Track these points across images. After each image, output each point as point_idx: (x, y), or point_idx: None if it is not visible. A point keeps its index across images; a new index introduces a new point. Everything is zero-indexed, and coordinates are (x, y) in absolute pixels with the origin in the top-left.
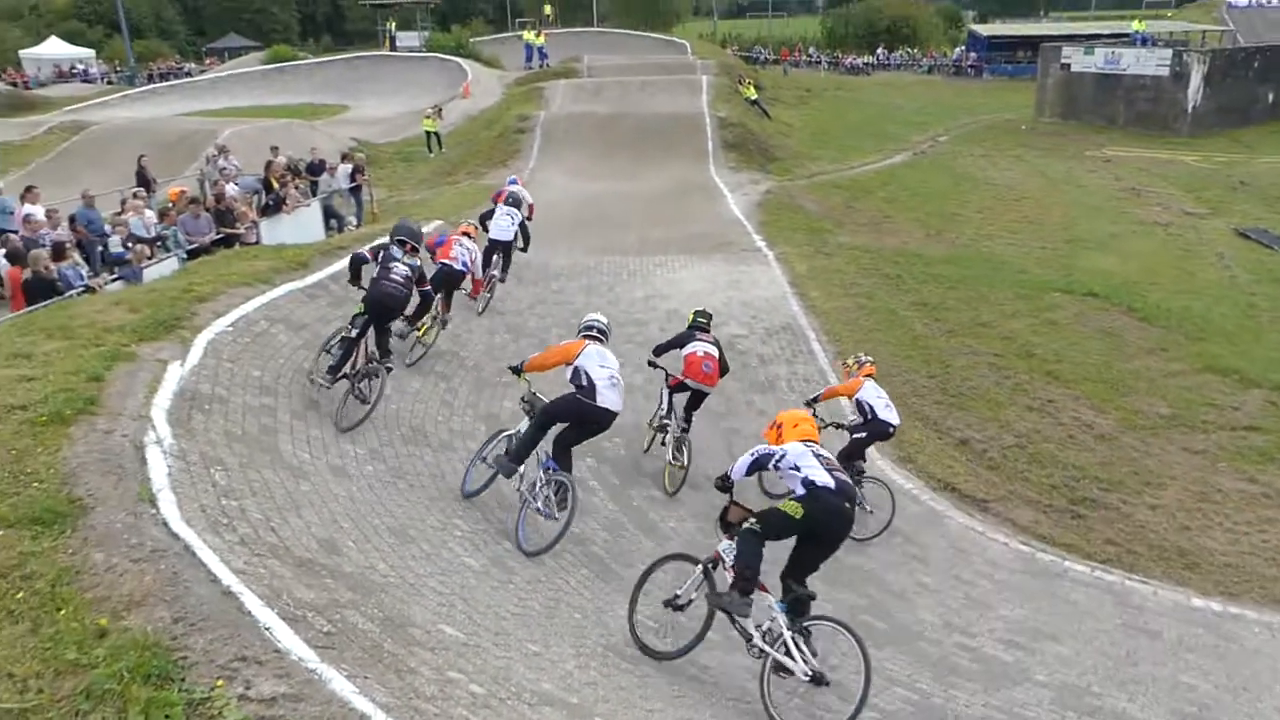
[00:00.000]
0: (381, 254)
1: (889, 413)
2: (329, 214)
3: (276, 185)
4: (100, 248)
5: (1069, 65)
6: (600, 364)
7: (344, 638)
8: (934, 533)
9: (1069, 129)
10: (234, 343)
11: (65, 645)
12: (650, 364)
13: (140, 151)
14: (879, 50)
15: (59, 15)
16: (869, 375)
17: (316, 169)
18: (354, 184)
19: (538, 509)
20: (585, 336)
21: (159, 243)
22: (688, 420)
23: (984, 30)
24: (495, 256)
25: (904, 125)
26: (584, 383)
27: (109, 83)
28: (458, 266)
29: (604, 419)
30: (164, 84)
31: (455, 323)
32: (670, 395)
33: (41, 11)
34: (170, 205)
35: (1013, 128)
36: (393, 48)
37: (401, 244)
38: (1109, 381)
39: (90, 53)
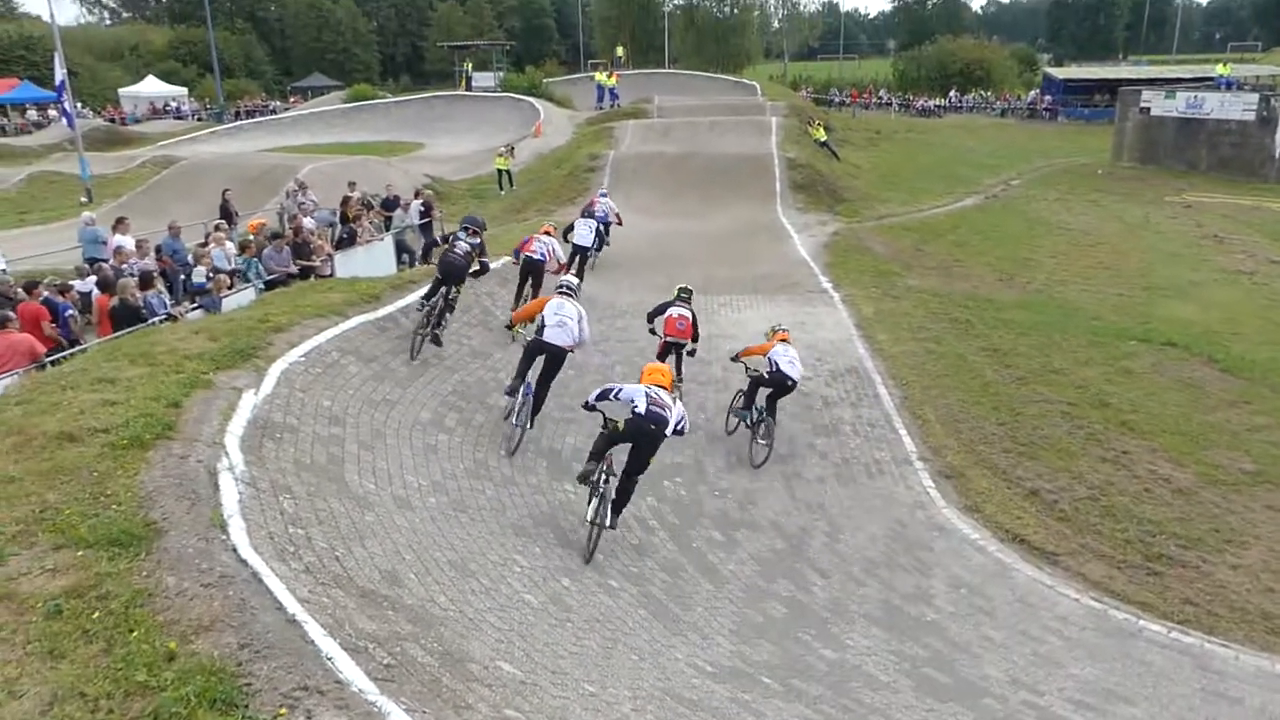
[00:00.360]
0: (451, 236)
1: (791, 368)
2: (401, 249)
3: (351, 219)
4: (184, 277)
5: (1149, 109)
6: (554, 312)
7: (404, 670)
8: (1001, 585)
9: (1147, 174)
10: (306, 373)
11: (136, 667)
12: (651, 331)
13: (225, 185)
14: (951, 93)
15: (157, 55)
16: (782, 340)
17: (391, 204)
18: (425, 219)
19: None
20: (556, 292)
21: (239, 274)
22: (679, 376)
23: (1060, 73)
24: (576, 259)
25: (976, 168)
26: (540, 325)
27: (199, 119)
28: (536, 256)
29: (548, 350)
30: (249, 121)
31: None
32: (660, 355)
33: (141, 52)
34: (250, 237)
35: (1088, 172)
36: (469, 87)
37: (466, 229)
38: (1188, 434)
39: (183, 91)
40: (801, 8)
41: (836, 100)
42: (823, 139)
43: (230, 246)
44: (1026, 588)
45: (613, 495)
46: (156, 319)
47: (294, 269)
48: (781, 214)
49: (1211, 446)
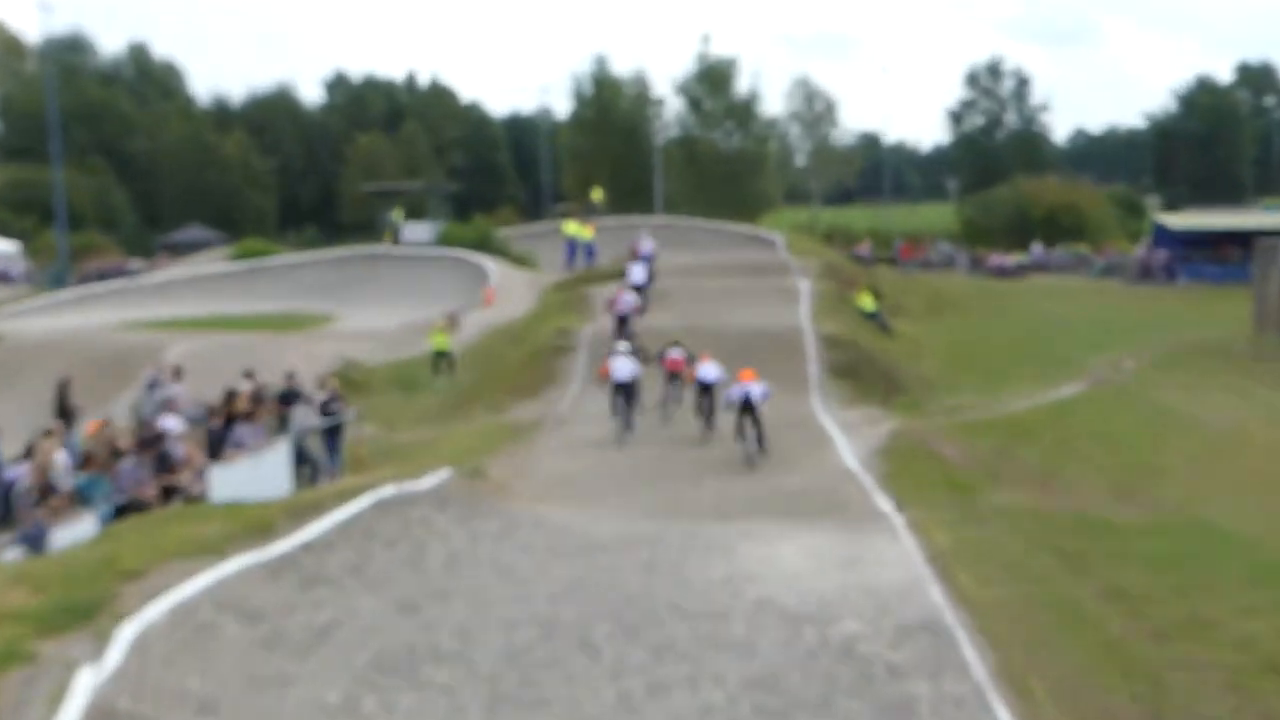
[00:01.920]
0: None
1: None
2: (301, 457)
3: (237, 417)
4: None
5: None
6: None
7: None
8: None
9: None
10: (167, 639)
11: None
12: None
13: (62, 372)
14: (1034, 247)
15: None
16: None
17: (289, 398)
18: (331, 415)
19: None
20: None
21: (78, 495)
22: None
23: (1175, 221)
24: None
25: (1075, 345)
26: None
27: (32, 283)
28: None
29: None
30: (101, 285)
31: (466, 612)
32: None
33: None
34: (92, 444)
35: (1224, 348)
36: (396, 242)
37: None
38: None
39: (15, 247)
40: (832, 141)
41: (884, 257)
42: (871, 309)
43: (63, 457)
44: None
45: (754, 440)
46: None
47: (152, 489)
48: (819, 408)
49: None
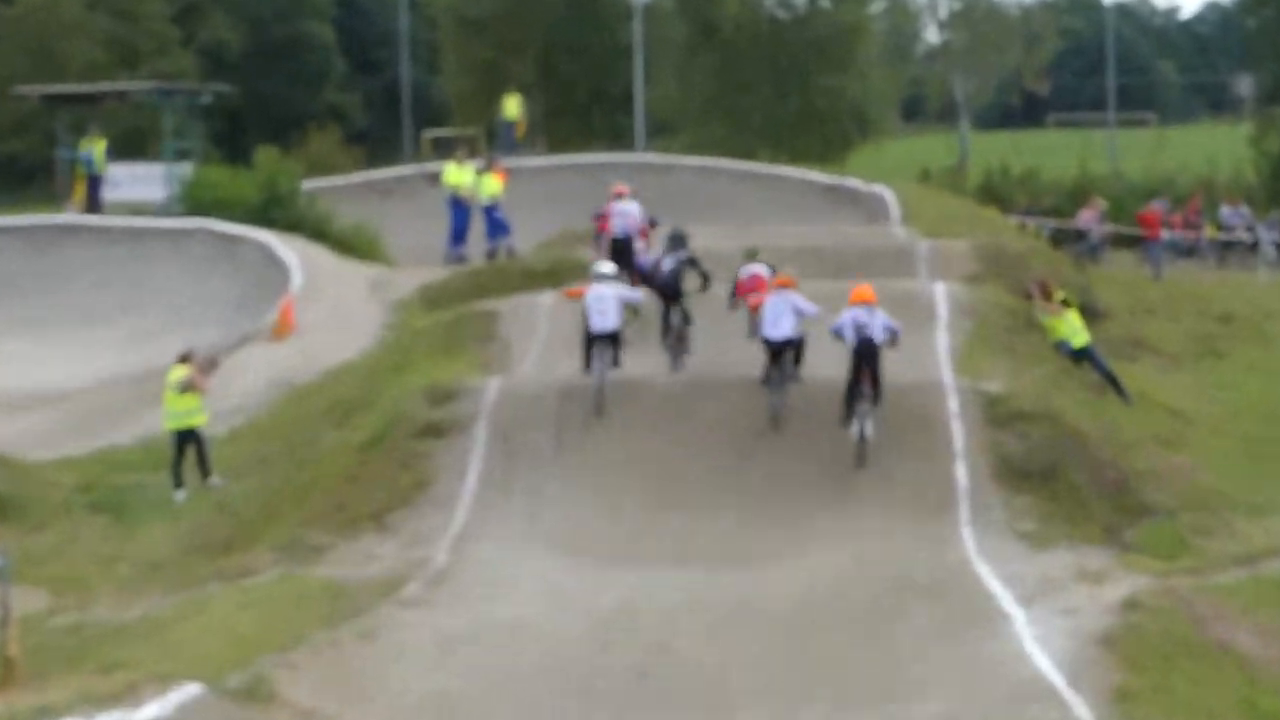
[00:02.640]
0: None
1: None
2: None
3: None
4: None
5: None
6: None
7: None
8: None
9: None
10: None
11: None
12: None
13: None
14: None
15: None
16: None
17: None
18: None
19: None
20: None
21: None
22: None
23: None
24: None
25: None
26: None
27: None
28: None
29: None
30: None
31: None
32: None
33: None
34: None
35: None
36: (92, 206)
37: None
38: None
39: None
40: None
41: (1093, 241)
42: (1081, 343)
43: None
44: None
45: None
46: None
47: None
48: (974, 550)
49: None
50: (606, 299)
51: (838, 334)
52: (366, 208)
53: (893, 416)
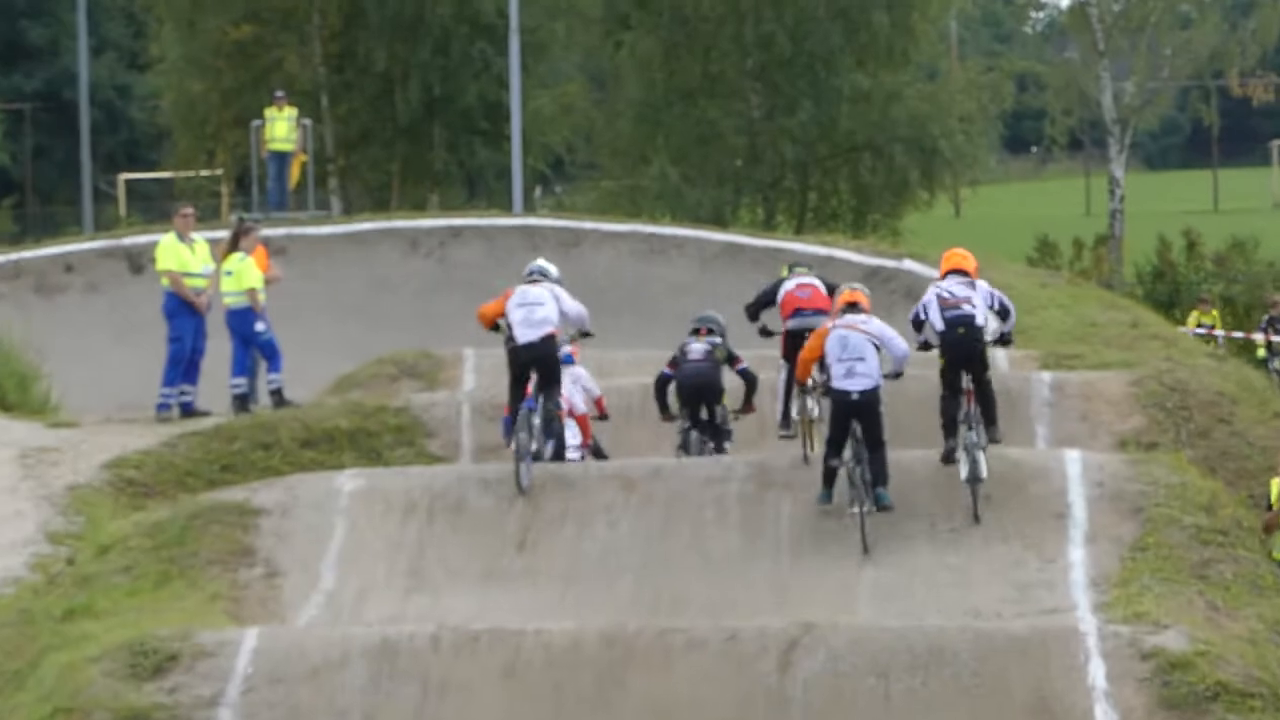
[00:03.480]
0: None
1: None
2: None
3: None
4: None
5: None
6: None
7: None
8: None
9: None
10: None
11: None
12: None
13: None
14: None
15: None
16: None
17: None
18: None
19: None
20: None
21: None
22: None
23: None
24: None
25: None
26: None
27: None
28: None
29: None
30: None
31: None
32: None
33: None
34: None
35: None
36: None
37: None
38: None
39: None
40: None
41: None
42: None
43: None
44: None
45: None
46: None
47: None
48: None
49: None
50: (541, 303)
51: (916, 322)
52: (14, 310)
53: (991, 687)
